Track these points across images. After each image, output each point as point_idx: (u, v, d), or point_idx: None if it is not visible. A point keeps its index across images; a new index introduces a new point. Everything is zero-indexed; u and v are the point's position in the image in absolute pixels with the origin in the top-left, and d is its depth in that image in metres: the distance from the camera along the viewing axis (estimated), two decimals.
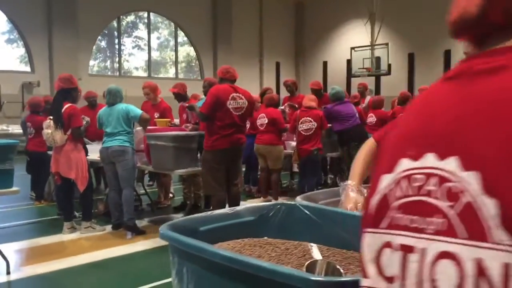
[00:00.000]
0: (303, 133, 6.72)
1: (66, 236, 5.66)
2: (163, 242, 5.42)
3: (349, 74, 19.70)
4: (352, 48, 18.04)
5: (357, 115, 7.09)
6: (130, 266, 4.78)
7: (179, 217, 6.49)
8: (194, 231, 1.35)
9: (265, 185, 7.36)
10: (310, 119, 6.70)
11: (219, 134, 5.13)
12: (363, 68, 17.46)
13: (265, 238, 1.39)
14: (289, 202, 1.49)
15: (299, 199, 1.56)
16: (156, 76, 19.59)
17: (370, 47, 17.92)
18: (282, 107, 7.77)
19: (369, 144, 1.75)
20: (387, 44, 17.35)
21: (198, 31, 20.34)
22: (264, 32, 22.42)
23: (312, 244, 1.33)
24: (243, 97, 5.26)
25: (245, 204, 5.88)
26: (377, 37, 18.90)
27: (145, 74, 19.60)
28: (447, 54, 19.51)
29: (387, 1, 19.07)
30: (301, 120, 6.74)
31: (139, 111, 5.68)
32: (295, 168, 7.64)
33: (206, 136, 5.24)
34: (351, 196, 1.47)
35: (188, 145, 5.59)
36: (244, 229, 1.44)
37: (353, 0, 20.94)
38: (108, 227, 5.89)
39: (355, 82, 17.27)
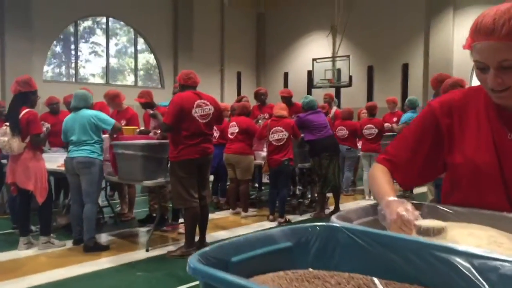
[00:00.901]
0: (274, 143, 6.53)
1: (22, 253, 5.21)
2: (130, 259, 5.08)
3: (310, 85, 19.76)
4: (314, 60, 18.10)
5: (328, 125, 6.98)
6: (95, 286, 4.42)
7: (144, 231, 6.22)
8: (226, 263, 1.10)
9: (234, 197, 7.13)
10: (281, 128, 6.53)
11: (185, 144, 4.89)
12: (325, 79, 17.53)
13: (310, 269, 1.16)
14: (329, 224, 1.26)
15: (335, 220, 1.34)
16: (114, 83, 19.01)
17: (331, 59, 18.04)
18: (260, 120, 7.57)
19: (380, 167, 1.58)
20: (348, 56, 17.52)
21: (158, 38, 19.93)
22: (225, 41, 22.25)
23: (373, 278, 1.11)
24: (208, 103, 5.04)
25: (214, 216, 5.72)
26: (339, 49, 19.09)
27: (102, 81, 18.98)
28: (405, 68, 19.94)
29: (348, 14, 19.32)
30: (272, 130, 6.55)
31: (112, 120, 5.33)
32: (265, 179, 7.44)
33: (171, 146, 4.99)
34: (403, 216, 1.27)
35: (158, 154, 5.29)
36: (281, 258, 1.21)
37: (315, 12, 21.15)
38: (69, 243, 5.49)
39: (315, 93, 17.33)
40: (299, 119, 6.85)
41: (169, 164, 5.10)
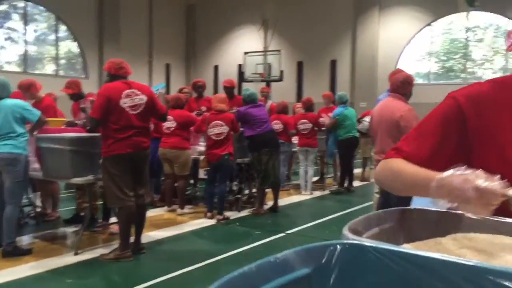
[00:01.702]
0: (214, 137, 6.25)
1: None
2: (57, 264, 4.58)
3: (241, 79, 19.61)
4: (246, 53, 17.92)
5: (268, 120, 6.79)
6: None
7: (71, 231, 5.72)
8: None
9: (170, 193, 6.77)
10: (221, 122, 6.26)
11: (115, 138, 4.53)
12: (256, 73, 17.42)
13: None
14: (353, 243, 1.02)
15: (348, 234, 1.10)
16: (32, 72, 17.76)
17: (263, 53, 17.95)
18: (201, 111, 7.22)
19: (396, 160, 1.36)
20: (279, 51, 17.51)
21: (82, 26, 18.86)
22: (154, 32, 21.53)
23: None
24: (139, 93, 4.66)
25: (147, 214, 5.37)
26: (270, 44, 19.05)
27: (19, 70, 17.68)
28: (333, 64, 20.33)
29: (279, 9, 19.35)
30: (211, 124, 6.27)
31: (37, 112, 4.81)
32: (201, 175, 7.14)
33: (102, 141, 4.59)
34: (487, 188, 1.01)
35: (89, 149, 4.84)
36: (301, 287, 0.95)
37: (247, 5, 20.98)
38: None
39: (246, 86, 17.17)
40: (239, 113, 6.62)
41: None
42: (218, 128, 6.25)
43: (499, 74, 19.55)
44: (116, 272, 4.42)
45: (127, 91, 4.58)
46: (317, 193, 8.42)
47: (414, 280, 0.96)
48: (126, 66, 4.76)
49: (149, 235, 5.50)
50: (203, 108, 7.73)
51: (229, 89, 7.72)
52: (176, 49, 22.96)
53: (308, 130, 8.07)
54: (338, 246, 1.04)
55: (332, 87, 19.85)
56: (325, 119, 8.50)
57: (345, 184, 8.60)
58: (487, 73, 19.82)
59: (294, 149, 8.61)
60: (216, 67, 22.58)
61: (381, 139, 4.69)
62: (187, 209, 6.76)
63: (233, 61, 21.27)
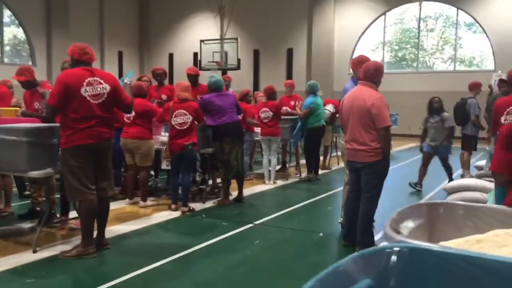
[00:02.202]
0: (177, 127, 6.04)
1: None
2: (14, 263, 4.26)
3: (197, 67, 19.28)
4: (202, 41, 17.62)
5: (235, 109, 6.62)
6: None
7: (27, 227, 5.39)
8: None
9: (132, 185, 6.52)
10: (184, 111, 6.05)
11: (75, 128, 4.28)
12: (213, 61, 17.16)
13: None
14: (409, 246, 0.91)
15: (394, 235, 0.99)
16: None
17: (219, 41, 17.69)
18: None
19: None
20: (236, 39, 17.30)
21: (28, 11, 17.97)
22: (105, 18, 20.79)
23: None
24: (102, 81, 4.41)
25: (112, 208, 5.14)
26: (227, 32, 18.79)
27: None
28: (290, 53, 20.32)
29: None
30: (174, 113, 6.05)
31: None
32: (164, 166, 6.91)
33: (61, 132, 4.34)
34: None
35: (47, 140, 4.54)
36: None
37: None
38: None
39: (203, 75, 16.82)
40: (202, 102, 6.42)
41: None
42: (182, 118, 6.04)
43: (448, 63, 20.15)
44: (80, 270, 4.18)
45: (89, 79, 4.33)
46: (280, 182, 8.35)
47: (479, 284, 0.86)
48: (91, 52, 4.50)
49: (112, 230, 5.26)
50: (164, 97, 7.49)
51: (193, 77, 7.50)
52: (129, 36, 22.29)
53: (270, 118, 7.96)
54: (396, 249, 0.94)
55: (289, 75, 19.86)
56: (290, 109, 8.45)
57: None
58: (437, 63, 20.39)
59: (256, 138, 8.50)
60: (171, 55, 22.11)
61: (352, 128, 4.64)
62: (149, 201, 6.54)
63: (189, 49, 20.89)
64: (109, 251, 4.65)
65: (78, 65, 4.38)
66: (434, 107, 7.83)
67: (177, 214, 6.11)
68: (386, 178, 4.69)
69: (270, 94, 8.17)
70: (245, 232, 5.37)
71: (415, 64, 20.13)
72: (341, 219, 5.48)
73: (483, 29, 17.71)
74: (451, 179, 7.81)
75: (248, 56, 20.04)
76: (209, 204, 6.68)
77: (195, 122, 6.15)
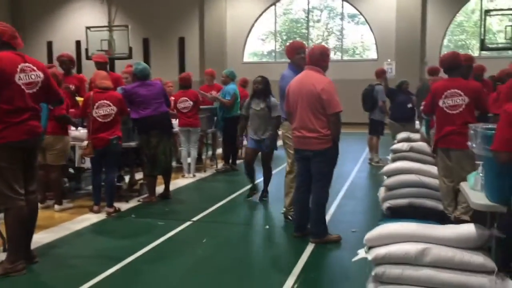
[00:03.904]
0: (100, 119, 5.43)
1: None
2: None
3: (80, 56, 18.00)
4: (88, 28, 16.38)
5: (164, 99, 6.11)
6: None
7: None
8: None
9: (43, 187, 5.75)
10: (108, 102, 5.46)
11: (7, 123, 3.67)
12: (102, 50, 16.04)
13: None
14: None
15: None
16: None
17: (108, 28, 16.60)
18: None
19: None
20: (127, 26, 16.37)
21: None
22: None
23: None
24: (35, 68, 3.86)
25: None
26: (115, 19, 17.70)
27: None
28: (181, 41, 19.76)
29: None
30: (96, 104, 5.43)
31: None
32: (83, 163, 6.21)
33: None
34: None
35: None
36: None
37: None
38: None
39: (87, 65, 15.63)
40: (125, 92, 5.86)
41: None
42: (105, 109, 5.44)
43: (333, 53, 21.11)
44: None
45: (22, 64, 3.73)
46: (199, 175, 8.01)
47: None
48: (19, 37, 3.84)
49: (33, 240, 4.56)
50: (72, 87, 6.74)
51: (101, 65, 6.85)
52: None
53: (189, 108, 7.57)
54: None
55: (181, 64, 19.32)
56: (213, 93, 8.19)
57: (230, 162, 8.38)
58: None
59: (174, 130, 8.05)
60: (50, 43, 20.31)
61: (302, 114, 4.50)
62: (65, 204, 5.83)
63: (70, 37, 19.35)
64: (39, 265, 4.02)
65: (5, 49, 3.69)
66: (258, 90, 6.04)
67: (102, 216, 5.51)
68: (336, 165, 4.64)
69: (188, 83, 7.76)
70: (187, 231, 5.00)
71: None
72: (284, 209, 5.35)
73: (366, 20, 18.75)
74: (266, 188, 6.29)
75: (138, 45, 19.10)
76: (133, 203, 6.15)
77: (120, 114, 5.58)
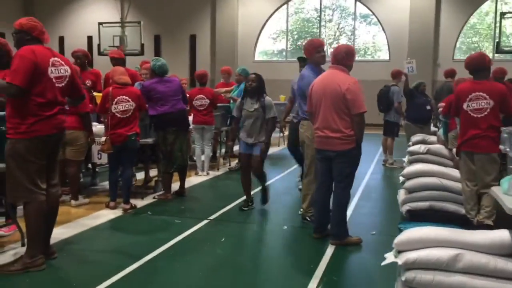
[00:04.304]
0: (119, 115, 5.40)
1: None
2: None
3: (92, 52, 17.99)
4: (100, 24, 16.38)
5: (181, 96, 6.07)
6: None
7: None
8: None
9: (62, 182, 5.71)
10: (127, 98, 5.43)
11: (39, 116, 3.66)
12: (114, 46, 16.03)
13: None
14: None
15: None
16: None
17: (120, 24, 16.59)
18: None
19: None
20: (139, 22, 16.36)
21: None
22: None
23: None
24: (64, 63, 3.89)
25: None
26: (127, 15, 17.68)
27: None
28: (193, 39, 19.73)
29: None
30: (115, 100, 5.39)
31: None
32: (99, 159, 6.18)
33: (12, 119, 3.65)
34: None
35: None
36: None
37: None
38: None
39: (100, 60, 15.60)
40: (144, 88, 5.82)
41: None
42: (124, 104, 5.41)
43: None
44: (33, 285, 3.50)
45: (52, 58, 3.77)
46: (213, 173, 7.96)
47: None
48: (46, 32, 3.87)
49: (52, 235, 4.53)
50: (88, 83, 6.71)
51: (117, 61, 6.81)
52: (12, 16, 20.07)
53: (205, 106, 7.52)
54: None
55: (192, 62, 19.31)
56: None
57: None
58: None
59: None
60: (61, 39, 20.34)
61: (325, 114, 4.43)
62: (81, 200, 5.80)
63: (82, 32, 19.40)
64: (59, 260, 3.99)
65: (35, 43, 3.70)
66: (252, 88, 5.50)
67: (118, 212, 5.48)
68: (358, 166, 4.57)
69: (204, 79, 7.72)
70: (204, 229, 4.95)
71: None
72: (301, 210, 5.29)
73: (378, 20, 18.63)
74: (265, 198, 5.77)
75: (149, 42, 19.09)
76: (149, 200, 6.11)
77: (139, 110, 5.54)
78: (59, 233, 4.63)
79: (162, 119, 5.87)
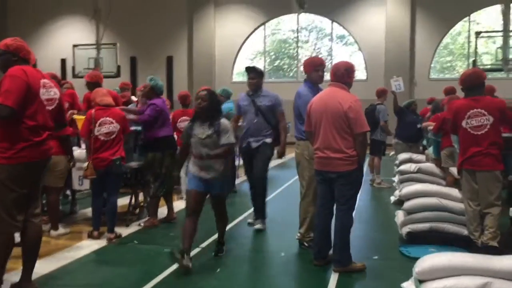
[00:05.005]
0: (102, 137, 5.08)
1: None
2: None
3: (65, 74, 17.62)
4: (75, 46, 16.03)
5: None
6: None
7: None
8: None
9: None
10: (110, 119, 5.12)
11: (29, 141, 3.39)
12: (89, 68, 15.67)
13: None
14: None
15: None
16: None
17: (95, 46, 16.26)
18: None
19: None
20: (115, 44, 16.07)
21: None
22: None
23: None
24: (52, 85, 3.65)
25: None
26: (102, 37, 17.34)
27: None
28: (170, 60, 19.50)
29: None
30: (99, 122, 5.07)
31: None
32: (77, 185, 5.82)
33: (1, 143, 3.36)
34: None
35: None
36: None
37: None
38: None
39: (77, 82, 15.21)
40: (156, 107, 5.58)
41: None
42: (108, 126, 5.09)
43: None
44: None
45: (43, 80, 3.51)
46: None
47: None
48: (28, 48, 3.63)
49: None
50: (66, 105, 6.35)
51: (92, 85, 6.46)
52: None
53: None
54: None
55: (169, 83, 19.03)
56: None
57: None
58: None
59: None
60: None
61: (326, 133, 4.21)
62: (62, 229, 5.41)
63: (56, 55, 18.96)
64: None
65: (22, 64, 3.43)
66: (201, 109, 4.30)
67: (102, 242, 5.11)
68: (360, 188, 4.35)
69: (188, 101, 7.46)
70: (196, 258, 4.61)
71: (291, 74, 20.66)
72: (298, 235, 5.03)
73: (355, 40, 18.77)
74: (221, 240, 4.79)
75: (125, 63, 18.76)
76: (134, 227, 5.75)
77: (123, 132, 5.23)
78: (39, 267, 4.19)
79: (165, 141, 5.69)
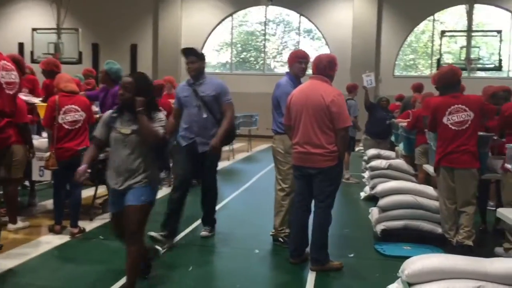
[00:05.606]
0: (67, 126, 4.76)
1: None
2: None
3: (27, 59, 16.80)
4: (34, 29, 15.32)
5: None
6: None
7: None
8: None
9: None
10: (76, 107, 4.81)
11: None
12: (49, 53, 15.05)
13: None
14: None
15: None
16: None
17: (56, 31, 15.59)
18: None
19: None
20: (77, 29, 15.46)
21: None
22: None
23: None
24: (13, 68, 3.34)
25: None
26: (63, 22, 16.65)
27: None
28: (134, 48, 18.98)
29: None
30: (63, 109, 4.75)
31: None
32: (36, 176, 5.47)
33: None
34: None
35: None
36: None
37: None
38: None
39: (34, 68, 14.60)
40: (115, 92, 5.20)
41: None
42: (73, 115, 4.79)
43: (286, 67, 20.99)
44: None
45: (3, 62, 3.31)
46: (167, 190, 7.37)
47: None
48: None
49: None
50: (25, 90, 5.99)
51: (48, 73, 6.08)
52: None
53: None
54: None
55: (133, 72, 18.47)
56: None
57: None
58: (278, 66, 21.07)
59: None
60: None
61: (306, 128, 4.06)
62: (21, 223, 5.07)
63: (13, 39, 18.10)
64: None
65: None
66: (125, 100, 3.30)
67: (65, 237, 4.81)
68: (340, 184, 4.24)
69: (160, 91, 7.18)
70: (168, 256, 4.40)
71: (257, 67, 20.50)
72: (273, 231, 4.88)
73: (322, 35, 18.75)
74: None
75: (87, 50, 18.13)
76: (98, 221, 5.46)
77: (87, 121, 4.93)
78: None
79: None
